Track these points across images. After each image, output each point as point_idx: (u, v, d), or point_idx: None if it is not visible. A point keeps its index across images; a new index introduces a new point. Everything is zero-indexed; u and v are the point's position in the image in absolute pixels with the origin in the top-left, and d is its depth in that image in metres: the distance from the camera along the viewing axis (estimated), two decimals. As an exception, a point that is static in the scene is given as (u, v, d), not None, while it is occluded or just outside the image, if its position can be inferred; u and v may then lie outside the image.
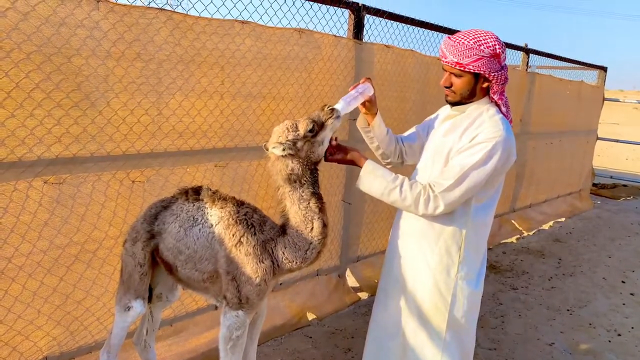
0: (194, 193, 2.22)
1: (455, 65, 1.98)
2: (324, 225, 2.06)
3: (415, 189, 2.03)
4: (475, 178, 1.96)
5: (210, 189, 2.22)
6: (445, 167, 2.06)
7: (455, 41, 1.98)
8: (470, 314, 2.22)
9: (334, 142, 2.13)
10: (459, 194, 1.97)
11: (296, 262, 2.10)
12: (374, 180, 2.08)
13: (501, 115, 2.06)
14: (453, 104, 2.14)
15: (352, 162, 2.17)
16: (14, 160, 2.28)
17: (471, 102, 2.10)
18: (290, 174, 1.99)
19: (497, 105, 2.09)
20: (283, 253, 2.09)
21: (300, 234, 2.06)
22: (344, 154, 2.16)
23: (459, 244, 2.12)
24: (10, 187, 2.29)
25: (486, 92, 2.09)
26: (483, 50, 1.95)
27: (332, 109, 2.03)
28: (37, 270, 2.45)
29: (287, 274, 2.22)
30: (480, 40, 1.96)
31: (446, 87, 2.10)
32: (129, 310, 2.25)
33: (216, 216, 2.13)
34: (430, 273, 2.15)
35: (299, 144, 1.98)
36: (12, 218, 2.32)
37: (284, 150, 1.95)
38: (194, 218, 2.16)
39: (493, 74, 1.99)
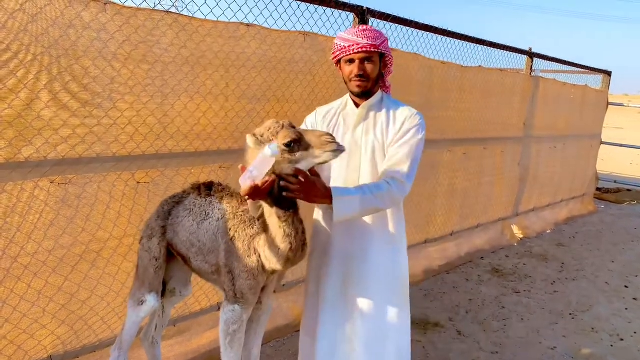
0: (206, 189, 2.31)
1: (370, 48, 2.10)
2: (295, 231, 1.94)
3: (382, 187, 2.04)
4: (419, 152, 2.18)
5: (221, 185, 2.30)
6: (387, 159, 2.17)
7: (364, 29, 2.15)
8: None
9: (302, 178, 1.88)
10: (415, 171, 2.17)
11: (280, 263, 2.00)
12: (345, 204, 1.98)
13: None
14: (364, 93, 2.19)
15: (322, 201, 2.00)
16: (21, 160, 2.30)
17: (374, 93, 2.23)
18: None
19: (387, 94, 2.29)
20: (263, 252, 2.05)
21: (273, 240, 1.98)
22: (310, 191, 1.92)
23: (403, 217, 2.34)
24: (17, 187, 2.32)
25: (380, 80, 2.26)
26: (382, 35, 2.16)
27: (333, 143, 1.84)
28: (43, 270, 2.47)
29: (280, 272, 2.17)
30: (376, 29, 2.22)
31: (359, 77, 2.14)
32: (142, 304, 2.29)
33: (221, 211, 2.20)
34: (404, 253, 2.34)
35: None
36: (19, 218, 2.34)
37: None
38: (205, 212, 2.23)
39: (389, 57, 2.21)
